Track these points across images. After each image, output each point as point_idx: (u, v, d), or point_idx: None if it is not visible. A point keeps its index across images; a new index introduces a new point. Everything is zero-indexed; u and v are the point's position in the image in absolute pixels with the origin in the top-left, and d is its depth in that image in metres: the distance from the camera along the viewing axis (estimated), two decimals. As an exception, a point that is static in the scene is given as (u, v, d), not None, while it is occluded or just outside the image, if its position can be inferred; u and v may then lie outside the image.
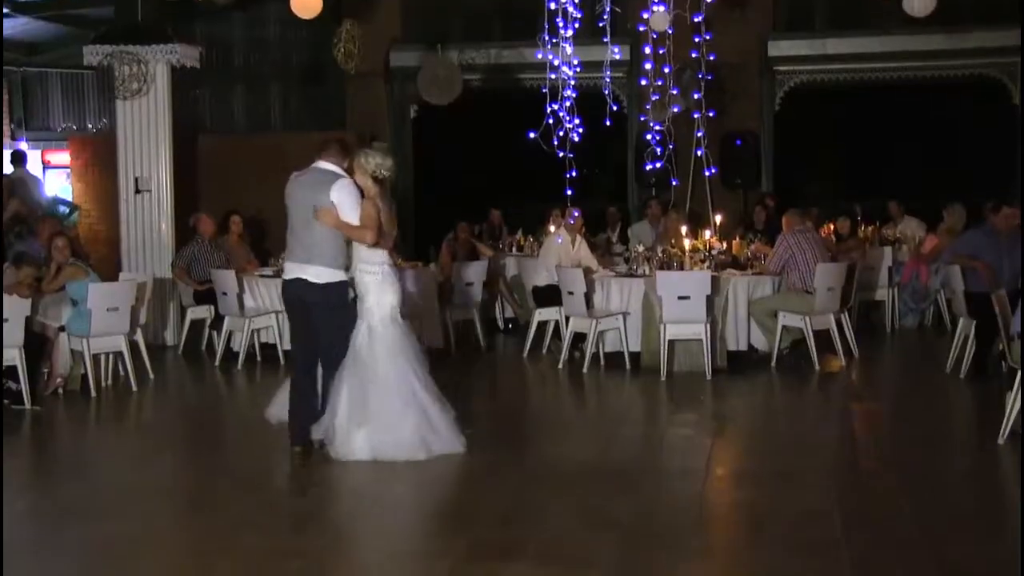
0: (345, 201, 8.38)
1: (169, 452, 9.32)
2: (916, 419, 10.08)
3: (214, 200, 15.51)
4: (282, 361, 12.65)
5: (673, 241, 13.14)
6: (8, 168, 17.40)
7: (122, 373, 11.61)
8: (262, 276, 13.15)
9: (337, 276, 8.47)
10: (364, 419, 8.26)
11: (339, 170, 8.54)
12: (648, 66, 11.90)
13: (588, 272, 12.57)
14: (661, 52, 11.63)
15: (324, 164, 8.58)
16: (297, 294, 8.54)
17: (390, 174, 8.55)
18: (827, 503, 7.13)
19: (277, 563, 6.12)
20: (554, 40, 11.30)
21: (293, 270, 8.56)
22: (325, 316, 8.47)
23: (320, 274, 8.44)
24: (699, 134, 12.27)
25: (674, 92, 11.86)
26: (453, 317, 13.78)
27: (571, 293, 12.29)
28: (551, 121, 11.16)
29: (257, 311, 12.84)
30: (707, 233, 13.53)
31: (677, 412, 10.64)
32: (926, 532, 6.49)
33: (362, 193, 8.46)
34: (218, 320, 13.20)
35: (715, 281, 11.89)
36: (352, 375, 8.33)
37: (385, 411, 8.27)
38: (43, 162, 20.53)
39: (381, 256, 8.51)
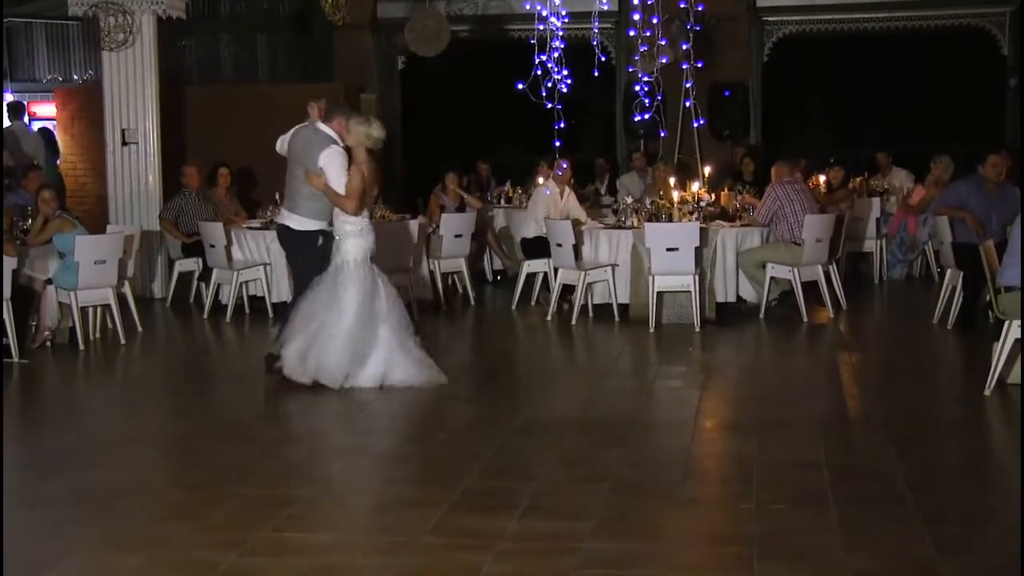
0: (331, 168, 9.07)
1: (158, 404, 9.33)
2: (903, 370, 10.13)
3: (201, 151, 15.44)
4: (270, 313, 12.65)
5: (661, 193, 13.13)
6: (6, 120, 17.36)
7: (110, 326, 11.60)
8: (250, 228, 13.11)
9: (313, 226, 9.34)
10: (300, 335, 9.03)
11: (335, 136, 9.23)
12: (636, 16, 11.86)
13: (576, 224, 12.56)
14: (649, 2, 11.58)
15: (323, 126, 9.31)
16: (281, 235, 9.69)
17: (377, 145, 9.21)
18: (815, 454, 7.15)
19: (267, 512, 6.13)
20: (542, -10, 11.27)
21: (281, 215, 9.71)
22: (298, 257, 9.62)
23: (300, 222, 9.39)
24: (688, 85, 12.25)
25: (662, 43, 11.81)
26: (441, 269, 13.76)
27: (559, 245, 12.29)
28: (539, 72, 11.13)
29: (245, 263, 12.81)
30: (695, 184, 13.52)
31: (666, 364, 10.66)
32: (913, 483, 6.52)
33: (351, 156, 9.12)
34: (206, 272, 13.17)
35: (703, 232, 11.89)
36: (311, 301, 9.09)
37: (324, 337, 9.00)
38: (28, 114, 20.39)
39: (359, 218, 9.20)
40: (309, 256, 9.36)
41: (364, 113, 10.67)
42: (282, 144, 9.63)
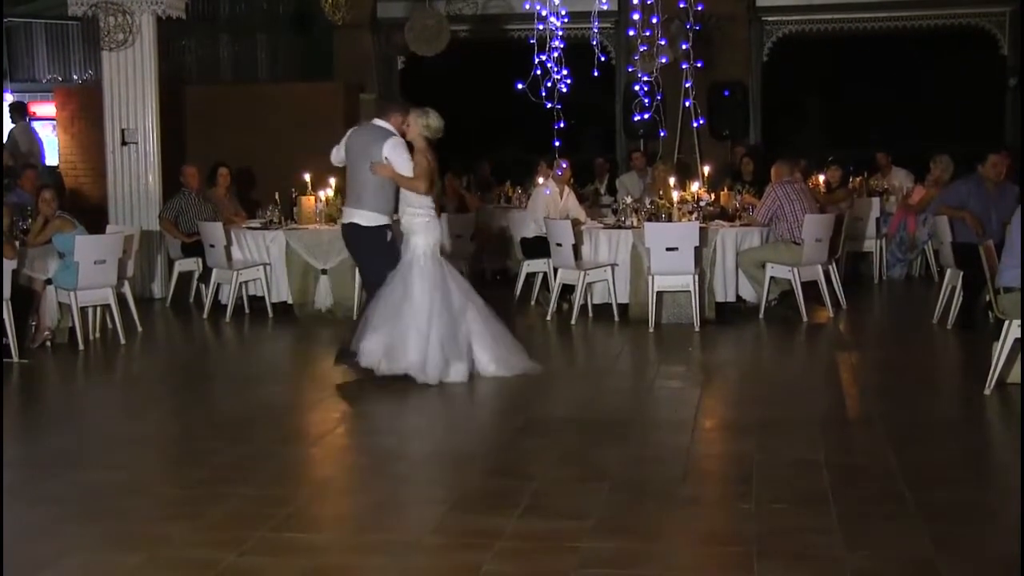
0: (397, 156, 9.28)
1: (158, 404, 9.32)
2: (903, 370, 10.11)
3: (201, 151, 15.45)
4: (270, 313, 12.66)
5: (661, 192, 13.13)
6: (8, 120, 17.40)
7: (110, 326, 11.59)
8: (250, 228, 13.10)
9: (382, 220, 9.48)
10: (383, 329, 9.16)
11: (393, 129, 9.46)
12: (636, 16, 11.85)
13: (576, 224, 12.55)
14: (649, 2, 11.57)
15: (380, 122, 9.58)
16: (348, 234, 9.65)
17: (438, 134, 9.47)
18: (815, 454, 7.15)
19: (267, 511, 6.13)
20: (541, -10, 11.27)
21: (347, 214, 9.68)
22: (368, 253, 9.60)
23: (369, 218, 9.46)
24: (687, 85, 12.23)
25: (662, 43, 11.80)
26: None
27: (559, 245, 12.28)
28: (539, 72, 11.12)
29: (245, 263, 12.80)
30: (695, 184, 13.51)
31: (665, 363, 10.65)
32: (913, 483, 6.51)
33: (411, 148, 9.33)
34: (206, 272, 13.17)
35: (703, 232, 11.89)
36: (388, 293, 9.25)
37: (405, 328, 9.15)
38: (28, 113, 20.40)
39: (428, 201, 9.36)
40: (379, 252, 9.49)
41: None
42: (337, 153, 9.76)
